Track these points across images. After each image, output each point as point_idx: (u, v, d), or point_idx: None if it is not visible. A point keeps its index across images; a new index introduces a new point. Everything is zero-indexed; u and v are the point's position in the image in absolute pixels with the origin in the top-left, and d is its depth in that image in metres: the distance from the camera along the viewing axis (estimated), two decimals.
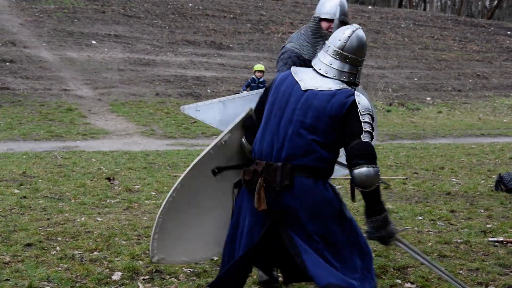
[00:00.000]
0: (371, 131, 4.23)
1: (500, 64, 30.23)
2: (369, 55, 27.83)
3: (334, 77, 4.40)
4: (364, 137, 4.17)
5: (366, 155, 4.15)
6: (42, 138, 14.96)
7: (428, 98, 24.05)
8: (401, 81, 25.54)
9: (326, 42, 4.58)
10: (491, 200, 9.59)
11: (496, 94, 26.44)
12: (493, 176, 10.78)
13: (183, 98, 19.93)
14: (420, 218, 8.40)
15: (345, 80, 4.39)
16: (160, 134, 15.73)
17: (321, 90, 4.31)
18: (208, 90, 21.01)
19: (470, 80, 27.32)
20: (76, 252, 6.67)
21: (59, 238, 7.15)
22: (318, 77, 4.44)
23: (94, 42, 23.86)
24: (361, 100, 4.27)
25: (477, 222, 8.24)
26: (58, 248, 6.76)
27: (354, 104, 4.22)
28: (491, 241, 7.37)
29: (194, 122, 16.94)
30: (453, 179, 11.25)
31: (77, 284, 5.88)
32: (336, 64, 4.41)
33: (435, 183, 10.82)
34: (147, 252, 6.77)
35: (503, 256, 6.80)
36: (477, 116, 22.59)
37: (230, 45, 26.29)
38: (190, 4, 29.62)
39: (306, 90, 4.34)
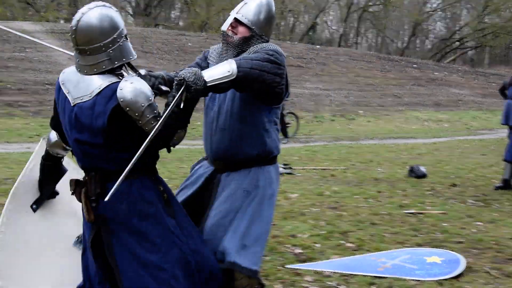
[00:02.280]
0: (152, 127, 2.80)
1: (410, 88, 30.48)
2: (318, 80, 27.94)
3: (101, 71, 2.89)
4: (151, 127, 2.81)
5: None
6: None
7: (361, 111, 24.19)
8: (341, 99, 25.66)
9: None
10: (406, 183, 9.68)
11: (407, 109, 26.66)
12: (406, 167, 10.87)
13: None
14: (357, 197, 8.45)
15: (111, 67, 2.90)
16: None
17: (84, 101, 2.87)
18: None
19: (389, 99, 27.51)
20: None
21: None
22: (82, 80, 2.93)
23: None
24: (127, 91, 2.79)
25: (396, 199, 8.32)
26: None
27: (119, 107, 2.80)
28: (406, 212, 7.45)
29: (193, 128, 16.86)
30: (379, 169, 11.33)
31: None
32: (84, 60, 2.90)
33: (367, 172, 10.90)
34: None
35: (414, 223, 6.90)
36: (394, 124, 22.76)
37: None
38: (190, 44, 29.52)
39: (74, 105, 2.92)
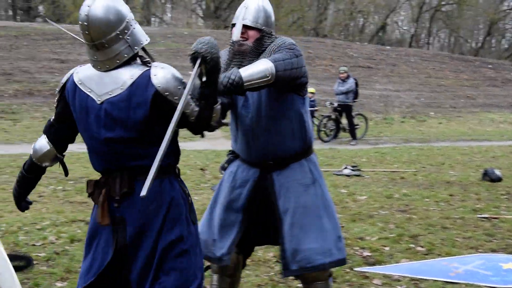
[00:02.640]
0: (192, 107, 2.74)
1: (484, 89, 29.62)
2: (388, 81, 27.53)
3: (123, 60, 2.75)
4: (191, 121, 2.78)
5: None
6: None
7: (432, 113, 23.67)
8: (412, 101, 25.18)
9: None
10: (479, 187, 9.40)
11: (481, 110, 25.91)
12: (480, 170, 10.55)
13: None
14: (427, 200, 8.26)
15: (133, 54, 2.77)
16: None
17: (115, 95, 2.72)
18: None
19: (462, 100, 26.81)
20: None
21: None
22: (105, 76, 2.76)
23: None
24: (162, 76, 2.72)
25: (469, 203, 8.09)
26: None
27: (159, 95, 2.70)
28: (480, 217, 7.23)
29: None
30: (451, 172, 11.04)
31: None
32: (102, 55, 2.75)
33: (438, 175, 10.63)
34: None
35: (488, 228, 6.69)
36: (467, 126, 22.16)
37: None
38: None
39: (102, 102, 2.75)
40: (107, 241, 2.83)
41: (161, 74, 2.72)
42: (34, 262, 5.20)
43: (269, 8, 3.57)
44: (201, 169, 10.49)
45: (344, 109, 16.17)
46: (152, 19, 47.95)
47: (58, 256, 5.39)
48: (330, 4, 43.73)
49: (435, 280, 4.93)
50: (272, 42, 3.49)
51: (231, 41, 3.49)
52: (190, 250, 2.85)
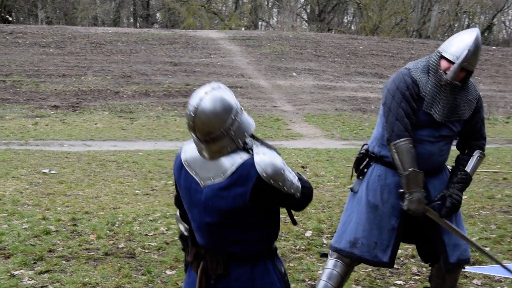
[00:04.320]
0: (296, 186, 2.69)
1: None
2: (492, 82, 26.34)
3: (226, 154, 2.70)
4: (297, 198, 2.72)
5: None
6: (260, 137, 14.95)
7: None
8: None
9: None
10: None
11: None
12: None
13: (354, 112, 19.75)
14: None
15: (236, 147, 2.70)
16: (338, 137, 15.71)
17: (216, 183, 2.69)
18: (372, 107, 20.66)
19: None
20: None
21: None
22: (208, 161, 2.73)
23: (294, 74, 24.14)
24: (265, 164, 2.62)
25: None
26: None
27: (260, 181, 2.61)
28: None
29: (362, 129, 16.76)
30: None
31: (282, 237, 5.99)
32: (208, 148, 2.69)
33: None
34: (329, 218, 6.82)
35: None
36: None
37: (388, 75, 25.88)
38: (361, 47, 29.30)
39: (204, 187, 2.73)
40: None
41: (265, 161, 2.63)
42: (146, 250, 5.44)
43: (481, 48, 3.68)
44: (302, 166, 10.53)
45: None
46: (259, 23, 48.52)
47: (168, 246, 5.61)
48: (434, 5, 42.38)
49: None
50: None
51: (440, 72, 3.67)
52: None
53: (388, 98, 3.75)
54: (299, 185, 2.71)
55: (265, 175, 2.60)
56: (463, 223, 3.97)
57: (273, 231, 2.82)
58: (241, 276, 2.72)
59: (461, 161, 3.82)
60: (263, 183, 2.61)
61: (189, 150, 2.82)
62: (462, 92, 3.74)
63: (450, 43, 3.68)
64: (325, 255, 4.08)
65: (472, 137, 3.84)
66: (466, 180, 3.74)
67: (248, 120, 2.75)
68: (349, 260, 3.88)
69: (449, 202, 3.66)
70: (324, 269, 3.99)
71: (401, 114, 3.63)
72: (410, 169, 3.59)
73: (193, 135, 2.68)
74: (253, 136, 2.81)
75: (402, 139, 3.61)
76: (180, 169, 2.83)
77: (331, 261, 3.94)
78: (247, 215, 2.68)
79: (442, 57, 3.67)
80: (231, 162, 2.66)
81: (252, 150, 2.70)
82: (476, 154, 3.80)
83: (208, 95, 2.64)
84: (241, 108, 2.72)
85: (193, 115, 2.63)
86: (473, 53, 3.59)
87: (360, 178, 3.94)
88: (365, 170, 3.90)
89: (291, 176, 2.67)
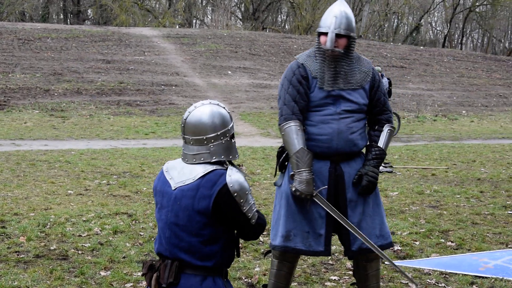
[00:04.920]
0: (254, 213, 2.89)
1: None
2: (420, 81, 27.16)
3: (199, 162, 2.93)
4: (251, 224, 2.92)
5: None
6: None
7: (464, 111, 23.24)
8: (444, 100, 24.76)
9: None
10: (510, 184, 9.23)
11: None
12: (511, 167, 10.33)
13: None
14: (458, 196, 8.14)
15: (208, 161, 2.92)
16: (273, 135, 15.81)
17: (187, 184, 2.89)
18: None
19: (494, 99, 26.23)
20: None
21: None
22: (186, 167, 2.96)
23: (229, 72, 24.14)
24: (235, 179, 2.83)
25: (499, 199, 7.95)
26: None
27: (225, 190, 2.81)
28: (510, 213, 7.10)
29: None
30: (482, 169, 10.84)
31: None
32: (187, 149, 2.96)
33: (469, 172, 10.46)
34: (265, 215, 6.80)
35: None
36: (499, 124, 21.66)
37: None
38: (295, 46, 29.59)
39: (175, 189, 2.92)
40: None
41: (236, 176, 2.84)
42: (80, 252, 5.29)
43: (352, 14, 3.77)
44: (238, 165, 10.51)
45: None
46: (194, 21, 48.28)
47: (102, 246, 5.48)
48: (365, 5, 43.28)
49: (465, 275, 4.88)
50: (364, 64, 3.85)
51: (322, 48, 3.73)
52: None
53: (279, 89, 3.88)
54: (257, 214, 2.90)
55: (231, 186, 2.80)
56: (381, 203, 3.89)
57: (227, 256, 2.96)
58: (190, 287, 2.84)
59: (373, 138, 3.81)
60: (227, 194, 2.80)
61: (172, 162, 3.06)
62: (350, 61, 3.79)
63: (322, 19, 3.78)
64: (269, 252, 4.06)
65: (378, 111, 3.82)
66: (380, 155, 3.73)
67: (233, 149, 2.99)
68: (290, 255, 3.86)
69: (365, 180, 3.64)
70: (271, 269, 3.98)
71: (288, 99, 3.73)
72: (298, 148, 3.62)
73: (182, 135, 2.97)
74: (231, 163, 3.00)
75: (289, 121, 3.71)
76: (159, 177, 3.04)
77: (274, 262, 3.93)
78: (206, 222, 2.84)
79: (320, 34, 3.77)
80: (204, 169, 2.87)
81: (226, 166, 2.93)
82: (386, 128, 3.79)
83: (214, 106, 2.95)
84: (232, 137, 2.98)
85: (189, 111, 2.94)
86: (342, 18, 3.68)
87: (283, 171, 3.93)
88: (286, 163, 3.90)
89: (252, 202, 2.87)
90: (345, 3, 3.79)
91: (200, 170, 2.87)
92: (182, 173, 2.94)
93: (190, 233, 2.87)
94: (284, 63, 26.25)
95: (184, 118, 2.93)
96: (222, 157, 2.93)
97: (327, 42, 3.67)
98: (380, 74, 15.74)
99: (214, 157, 2.90)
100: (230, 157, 2.97)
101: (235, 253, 3.02)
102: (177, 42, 27.86)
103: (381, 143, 3.76)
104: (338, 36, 3.67)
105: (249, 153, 12.19)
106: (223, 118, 2.93)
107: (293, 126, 3.69)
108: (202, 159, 2.89)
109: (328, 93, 3.72)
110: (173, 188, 2.91)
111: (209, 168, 2.87)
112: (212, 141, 2.89)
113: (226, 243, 2.93)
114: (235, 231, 2.98)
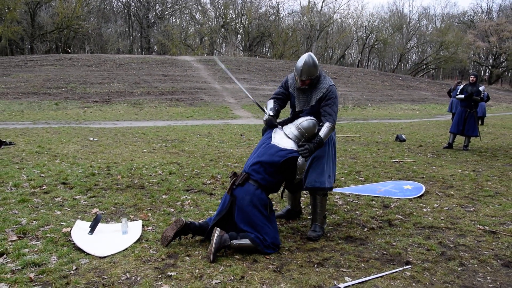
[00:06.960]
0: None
1: (397, 91, 28.61)
2: (345, 86, 26.89)
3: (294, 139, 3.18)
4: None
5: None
6: (215, 118, 14.68)
7: (369, 104, 23.00)
8: (358, 97, 24.42)
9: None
10: (393, 145, 9.09)
11: (396, 103, 24.85)
12: (394, 135, 10.25)
13: None
14: (365, 151, 8.00)
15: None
16: (260, 117, 15.62)
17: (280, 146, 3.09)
18: None
19: (386, 97, 25.90)
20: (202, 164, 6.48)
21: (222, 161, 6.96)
22: (284, 138, 3.20)
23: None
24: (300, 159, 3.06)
25: (388, 153, 7.76)
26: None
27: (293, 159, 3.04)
28: (393, 161, 6.97)
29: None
30: (379, 136, 10.68)
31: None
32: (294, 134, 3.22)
33: (371, 138, 10.28)
34: None
35: (398, 167, 6.47)
36: (388, 111, 21.45)
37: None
38: (273, 66, 29.08)
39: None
40: None
41: (301, 159, 3.09)
42: (150, 184, 5.23)
43: (315, 60, 3.38)
44: (241, 134, 10.47)
45: None
46: (214, 51, 47.62)
47: (163, 181, 5.40)
48: (314, 42, 43.01)
49: (368, 195, 4.88)
50: (319, 77, 3.46)
51: (297, 83, 3.46)
52: None
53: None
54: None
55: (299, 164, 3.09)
56: (324, 161, 3.51)
57: (276, 188, 3.08)
58: (248, 190, 2.93)
59: (318, 129, 3.48)
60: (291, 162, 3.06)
61: (279, 130, 3.27)
62: (311, 91, 3.47)
63: (296, 64, 3.42)
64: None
65: (323, 114, 3.43)
66: (319, 141, 3.31)
67: None
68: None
69: (304, 148, 3.25)
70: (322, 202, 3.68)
71: (276, 91, 3.63)
72: (269, 105, 3.56)
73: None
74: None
75: (271, 98, 3.62)
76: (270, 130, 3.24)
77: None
78: (280, 169, 2.98)
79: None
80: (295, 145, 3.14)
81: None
82: (326, 125, 3.36)
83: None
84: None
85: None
86: (305, 69, 3.35)
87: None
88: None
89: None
90: (311, 55, 3.39)
91: (293, 146, 3.12)
92: (279, 138, 3.13)
93: (266, 168, 2.99)
94: (268, 76, 25.91)
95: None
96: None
97: (298, 82, 3.44)
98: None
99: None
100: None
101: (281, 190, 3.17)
102: (204, 64, 27.41)
103: (322, 133, 3.38)
104: (304, 79, 3.40)
105: (247, 128, 12.13)
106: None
107: (271, 100, 3.62)
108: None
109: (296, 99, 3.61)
110: (272, 142, 3.12)
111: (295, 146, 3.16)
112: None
113: (280, 182, 3.04)
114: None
